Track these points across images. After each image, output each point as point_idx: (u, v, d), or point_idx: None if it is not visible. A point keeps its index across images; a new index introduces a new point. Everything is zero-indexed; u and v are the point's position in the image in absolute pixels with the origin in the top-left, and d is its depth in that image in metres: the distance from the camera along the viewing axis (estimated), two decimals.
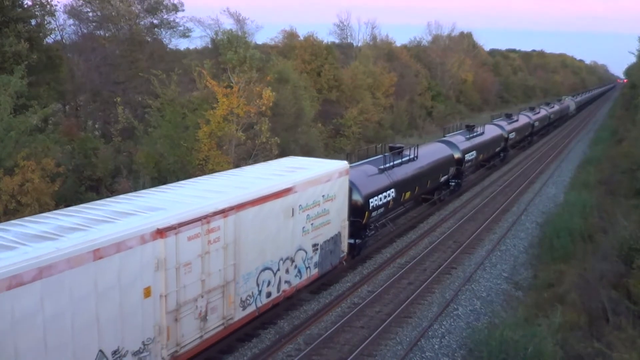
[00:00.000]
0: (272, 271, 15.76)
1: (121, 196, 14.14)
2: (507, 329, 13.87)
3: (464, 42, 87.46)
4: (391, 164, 23.81)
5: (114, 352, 11.13)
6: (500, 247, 24.01)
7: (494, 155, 41.20)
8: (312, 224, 17.30)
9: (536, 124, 55.35)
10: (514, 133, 45.34)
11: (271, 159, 23.51)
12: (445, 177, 29.85)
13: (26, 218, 12.05)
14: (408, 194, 24.94)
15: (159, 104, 27.78)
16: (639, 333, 13.05)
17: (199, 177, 17.02)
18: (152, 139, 26.62)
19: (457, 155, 31.31)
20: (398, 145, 26.54)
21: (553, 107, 68.60)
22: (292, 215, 16.24)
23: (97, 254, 10.59)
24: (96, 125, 34.39)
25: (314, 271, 17.86)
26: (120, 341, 11.26)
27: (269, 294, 15.68)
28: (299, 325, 16.55)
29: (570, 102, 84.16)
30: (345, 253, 19.63)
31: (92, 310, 10.65)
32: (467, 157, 32.82)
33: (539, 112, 59.13)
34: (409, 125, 57.47)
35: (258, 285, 15.22)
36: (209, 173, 20.63)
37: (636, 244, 16.07)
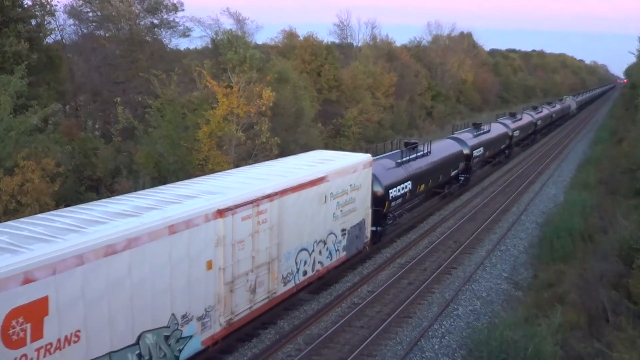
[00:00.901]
0: (308, 252, 17.47)
1: (179, 182, 16.05)
2: (507, 329, 13.87)
3: (464, 42, 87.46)
4: (407, 158, 25.38)
5: (183, 316, 12.77)
6: (500, 247, 24.01)
7: (500, 152, 42.66)
8: (341, 211, 19.01)
9: (539, 122, 56.72)
10: (518, 131, 46.74)
11: (271, 159, 23.51)
12: (455, 171, 31.55)
13: (102, 200, 13.85)
14: (423, 186, 26.55)
15: (159, 104, 27.76)
16: (639, 333, 13.04)
17: (243, 167, 19.42)
18: (152, 139, 26.61)
19: (465, 151, 32.93)
20: (413, 140, 28.29)
21: (555, 106, 70.22)
22: (325, 202, 17.98)
23: (172, 229, 12.18)
24: (96, 125, 34.39)
25: (343, 254, 19.63)
26: (187, 307, 12.86)
27: (305, 273, 17.40)
28: (299, 325, 16.55)
29: (571, 102, 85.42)
30: (368, 239, 21.41)
31: (167, 278, 12.22)
32: (475, 153, 34.44)
33: (541, 111, 60.57)
34: (409, 125, 57.47)
35: (296, 264, 16.91)
36: (208, 173, 20.75)
37: (636, 244, 16.05)
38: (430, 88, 67.25)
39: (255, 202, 14.62)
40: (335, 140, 43.09)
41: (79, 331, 10.49)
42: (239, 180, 15.87)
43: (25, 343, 9.66)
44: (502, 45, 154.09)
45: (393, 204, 23.30)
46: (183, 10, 37.81)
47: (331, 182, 18.07)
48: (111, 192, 24.55)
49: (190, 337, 13.04)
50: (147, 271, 11.70)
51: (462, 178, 33.42)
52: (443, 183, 30.43)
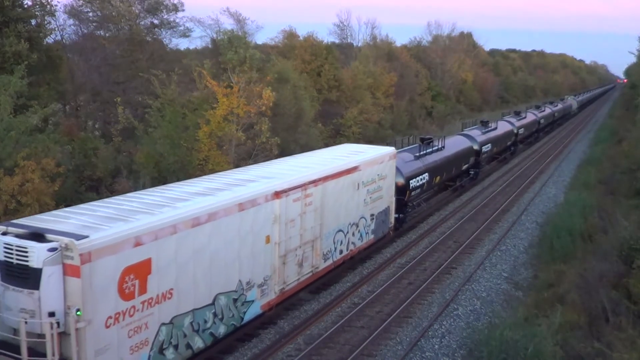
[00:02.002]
0: (343, 233, 19.44)
1: (236, 169, 18.54)
2: (507, 329, 13.87)
3: (464, 42, 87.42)
4: (424, 152, 27.58)
5: (247, 283, 14.81)
6: (500, 247, 24.01)
7: (506, 148, 44.77)
8: (370, 197, 21.04)
9: (542, 121, 59.00)
10: (522, 129, 48.98)
11: (271, 159, 23.54)
12: (466, 166, 33.74)
13: (177, 183, 16.08)
14: (438, 178, 28.63)
15: (159, 104, 27.75)
16: (639, 333, 13.05)
17: (287, 157, 21.19)
18: (152, 139, 26.59)
19: (475, 147, 35.06)
20: (428, 136, 30.26)
21: (557, 105, 72.88)
22: (357, 189, 20.00)
23: (241, 207, 14.25)
24: (96, 125, 34.37)
25: (371, 236, 21.61)
26: (251, 275, 14.91)
27: (341, 251, 19.38)
28: (299, 325, 16.55)
29: (572, 101, 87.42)
30: (392, 224, 23.39)
31: (236, 249, 14.25)
32: (484, 149, 36.61)
33: (544, 110, 62.79)
34: (409, 125, 57.45)
35: (334, 243, 18.89)
36: (208, 173, 20.89)
37: (636, 244, 16.05)
38: (430, 88, 67.23)
39: (303, 186, 16.67)
40: (335, 141, 43.01)
41: (172, 289, 12.45)
42: (287, 167, 18.03)
43: (134, 296, 11.57)
44: (502, 45, 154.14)
45: (413, 193, 25.44)
46: (183, 10, 37.83)
47: (363, 171, 20.14)
48: (111, 192, 24.52)
49: (252, 301, 15.12)
50: (222, 242, 13.72)
51: (472, 172, 35.43)
52: (455, 176, 32.43)
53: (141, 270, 11.65)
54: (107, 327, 11.06)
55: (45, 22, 28.94)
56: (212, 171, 23.18)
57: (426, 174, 26.60)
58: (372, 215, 21.34)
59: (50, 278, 10.50)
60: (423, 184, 26.35)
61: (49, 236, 10.78)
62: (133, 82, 33.02)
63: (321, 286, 19.07)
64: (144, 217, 12.03)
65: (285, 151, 29.03)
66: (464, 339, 15.84)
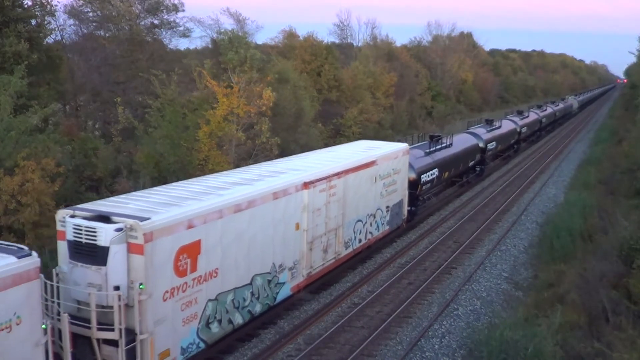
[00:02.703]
0: (362, 223, 20.74)
1: (264, 162, 20.00)
2: (507, 329, 13.87)
3: (464, 42, 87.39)
4: (434, 148, 28.91)
5: (279, 266, 16.07)
6: (500, 247, 24.01)
7: (509, 146, 46.26)
8: (386, 190, 22.34)
9: (544, 120, 60.50)
10: (525, 128, 50.49)
11: (271, 159, 23.56)
12: (472, 162, 35.28)
13: (214, 174, 17.59)
14: (447, 174, 30.02)
15: (159, 104, 27.71)
16: (639, 333, 13.05)
17: (310, 152, 22.86)
18: (152, 139, 26.56)
19: (481, 144, 36.38)
20: (437, 134, 31.54)
21: (558, 105, 74.66)
22: (375, 182, 21.32)
23: (275, 195, 15.51)
24: (96, 125, 34.34)
25: (386, 227, 22.93)
26: (282, 259, 16.18)
27: (360, 240, 20.73)
28: (299, 325, 16.55)
29: (573, 101, 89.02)
30: (405, 216, 24.79)
31: (270, 234, 15.50)
32: (489, 146, 37.96)
33: (546, 110, 64.21)
34: (409, 125, 57.42)
35: (354, 232, 20.17)
36: (208, 173, 20.98)
37: (636, 244, 16.05)
38: (430, 88, 67.20)
39: (328, 178, 18.01)
40: (335, 141, 43.00)
41: (217, 269, 13.74)
42: (311, 161, 19.44)
43: (186, 274, 12.83)
44: (502, 45, 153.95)
45: (424, 187, 26.88)
46: (183, 10, 37.75)
47: (379, 165, 21.51)
48: (111, 192, 24.49)
49: (284, 283, 16.45)
50: (259, 227, 15.01)
51: (478, 169, 37.08)
52: (462, 172, 33.87)
53: (192, 250, 12.96)
54: (164, 300, 12.32)
55: (45, 22, 28.90)
56: (212, 171, 23.16)
57: (436, 169, 28.00)
58: (387, 207, 22.65)
59: (116, 255, 11.68)
60: (433, 178, 27.77)
61: (115, 218, 12.02)
62: (133, 82, 33.00)
63: (321, 286, 19.07)
64: (194, 203, 13.37)
65: (285, 151, 29.02)
66: (464, 339, 15.84)
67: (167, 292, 12.34)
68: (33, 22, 27.44)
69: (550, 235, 22.88)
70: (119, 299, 11.59)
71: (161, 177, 25.01)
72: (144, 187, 22.70)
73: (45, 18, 28.85)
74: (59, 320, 11.25)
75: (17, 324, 9.68)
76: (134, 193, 14.70)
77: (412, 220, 26.36)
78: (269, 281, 15.76)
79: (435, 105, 66.61)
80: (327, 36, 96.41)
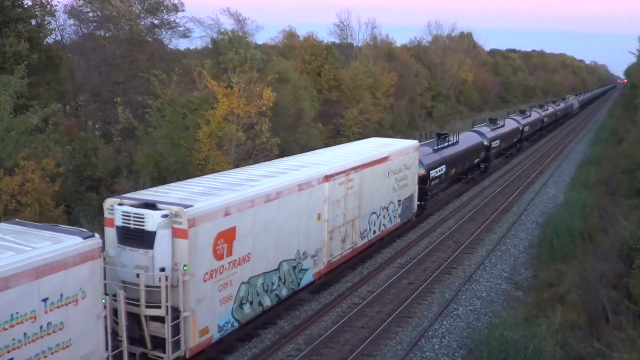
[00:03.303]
0: (376, 215, 21.75)
1: (286, 157, 20.92)
2: (507, 329, 13.86)
3: (464, 42, 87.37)
4: (442, 145, 30.07)
5: (303, 253, 17.20)
6: (500, 247, 24.01)
7: (512, 145, 47.47)
8: (398, 185, 23.37)
9: (545, 119, 61.87)
10: (527, 126, 51.87)
11: (271, 159, 23.56)
12: (477, 160, 36.35)
13: (242, 168, 18.89)
14: (453, 170, 31.10)
15: (159, 104, 27.71)
16: (639, 333, 13.04)
17: (327, 148, 24.61)
18: (152, 139, 26.57)
19: (485, 142, 37.48)
20: (444, 132, 32.81)
21: (559, 105, 76.11)
22: (388, 176, 22.39)
23: (299, 187, 16.62)
24: (96, 125, 34.33)
25: (398, 220, 23.96)
26: (306, 246, 17.26)
27: (374, 232, 21.77)
28: (299, 325, 16.55)
29: (574, 101, 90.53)
30: (415, 210, 25.85)
31: (295, 223, 16.57)
32: (493, 144, 39.06)
33: (547, 109, 65.31)
34: (409, 125, 57.40)
35: (369, 224, 21.20)
36: (209, 173, 21.04)
37: (636, 244, 16.04)
38: (430, 88, 67.17)
39: (346, 172, 19.04)
40: (335, 141, 43.01)
41: (249, 254, 14.80)
42: (330, 156, 20.54)
43: (223, 257, 13.91)
44: (502, 45, 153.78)
45: (433, 183, 27.98)
46: (183, 10, 37.73)
47: (392, 161, 22.57)
48: (111, 192, 24.49)
49: (307, 269, 17.49)
50: (285, 216, 16.06)
51: (482, 166, 38.04)
52: (467, 169, 34.95)
53: (229, 236, 14.02)
54: (205, 281, 13.38)
55: (45, 22, 28.91)
56: (212, 171, 23.15)
57: (443, 165, 29.10)
58: (399, 200, 23.70)
59: (162, 239, 12.70)
60: (441, 174, 28.89)
61: (160, 206, 13.07)
62: (133, 82, 32.99)
63: (321, 286, 19.07)
64: (229, 193, 14.46)
65: (285, 151, 29.02)
66: (464, 338, 15.84)
67: (206, 273, 13.42)
68: (33, 22, 27.46)
69: (550, 235, 22.87)
70: (166, 279, 12.56)
71: (161, 177, 25.01)
72: (144, 187, 22.71)
73: (45, 18, 28.87)
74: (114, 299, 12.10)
75: (82, 298, 10.73)
76: (171, 184, 15.92)
77: (421, 215, 27.37)
78: (294, 267, 16.87)
79: (435, 105, 66.58)
80: (327, 36, 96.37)
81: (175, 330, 12.76)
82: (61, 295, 10.34)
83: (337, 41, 67.49)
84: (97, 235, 11.22)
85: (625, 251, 16.37)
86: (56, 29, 32.69)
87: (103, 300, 11.28)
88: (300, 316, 17.22)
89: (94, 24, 36.55)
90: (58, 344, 10.36)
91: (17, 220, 12.97)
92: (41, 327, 10.04)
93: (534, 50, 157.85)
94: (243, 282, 14.71)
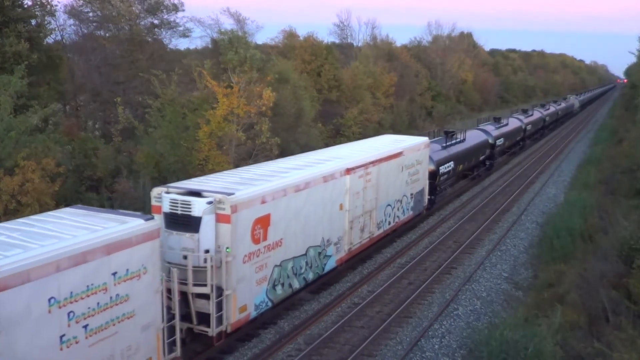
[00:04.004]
0: (391, 207, 22.97)
1: (309, 152, 22.34)
2: (507, 329, 13.86)
3: (464, 42, 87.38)
4: (450, 143, 31.28)
5: (327, 240, 18.42)
6: (500, 247, 24.01)
7: (516, 143, 48.96)
8: (410, 179, 24.69)
9: (547, 118, 63.18)
10: (530, 125, 53.26)
11: (271, 159, 23.58)
12: (483, 157, 37.72)
13: (271, 161, 20.13)
14: (461, 166, 32.53)
15: (159, 104, 27.71)
16: (639, 333, 13.04)
17: (346, 144, 25.90)
18: (152, 139, 26.56)
19: (490, 140, 38.78)
20: (451, 130, 33.64)
21: (560, 104, 77.56)
22: (402, 171, 23.65)
23: (325, 179, 17.86)
24: (96, 125, 34.34)
25: (410, 212, 25.29)
26: (329, 234, 18.51)
27: (389, 223, 22.99)
28: (299, 325, 16.55)
29: (574, 101, 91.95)
30: (426, 204, 27.22)
31: (320, 212, 17.80)
32: (498, 142, 40.40)
33: (549, 109, 66.41)
34: (409, 125, 57.40)
35: (384, 215, 22.45)
36: (209, 173, 21.12)
37: (636, 244, 16.03)
38: (430, 88, 67.17)
39: (365, 166, 20.29)
40: (335, 141, 43.01)
41: (282, 239, 16.02)
42: (349, 151, 21.79)
43: (260, 242, 15.10)
44: (502, 45, 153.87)
45: (442, 178, 29.25)
46: (183, 10, 37.70)
47: (405, 156, 23.78)
48: (111, 192, 24.51)
49: (330, 256, 18.73)
50: (312, 206, 17.28)
51: (487, 163, 39.35)
52: (473, 166, 36.29)
53: (264, 222, 15.20)
54: (244, 263, 14.58)
55: (45, 22, 28.90)
56: (212, 171, 23.16)
57: (452, 162, 30.39)
58: (411, 194, 24.98)
59: (207, 224, 13.83)
60: (449, 170, 30.18)
61: (205, 193, 14.25)
62: (133, 82, 32.99)
63: (321, 286, 19.07)
64: (264, 183, 15.64)
65: (285, 151, 29.01)
66: (464, 339, 15.84)
67: (245, 256, 14.62)
68: (33, 22, 27.44)
69: (550, 235, 22.86)
70: (211, 260, 13.68)
71: (161, 177, 25.01)
72: (144, 187, 22.73)
73: (45, 18, 28.86)
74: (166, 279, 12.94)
75: (144, 274, 11.77)
76: (209, 175, 17.28)
77: (431, 208, 28.61)
78: (319, 253, 18.10)
79: (435, 105, 66.57)
80: (327, 36, 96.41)
81: (219, 307, 13.95)
82: (127, 270, 11.38)
83: (337, 41, 67.55)
84: (156, 217, 12.54)
85: (625, 251, 16.36)
86: (56, 29, 32.70)
87: (160, 277, 12.27)
88: (300, 316, 17.22)
89: (94, 24, 36.53)
90: (124, 313, 11.41)
91: (80, 205, 14.15)
92: (111, 297, 11.08)
93: (534, 50, 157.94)
94: (276, 265, 15.92)
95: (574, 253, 20.29)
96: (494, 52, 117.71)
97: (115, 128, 29.11)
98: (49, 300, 9.88)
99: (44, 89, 26.74)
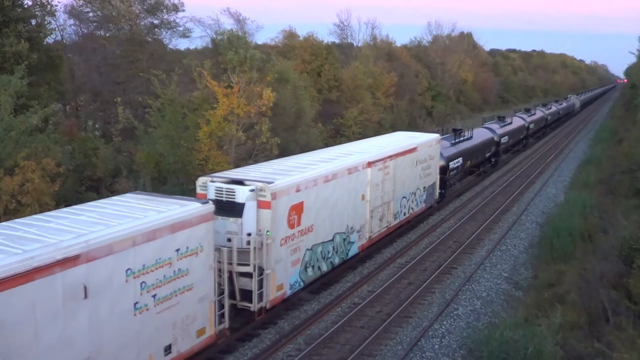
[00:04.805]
0: (406, 199, 24.44)
1: (333, 147, 24.83)
2: (507, 329, 13.86)
3: (464, 42, 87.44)
4: (458, 140, 33.02)
5: (351, 228, 19.85)
6: (500, 247, 24.00)
7: (519, 141, 50.46)
8: (423, 173, 26.08)
9: (549, 117, 64.71)
10: (533, 124, 54.95)
11: (271, 159, 23.57)
12: (489, 154, 39.23)
13: (298, 155, 22.06)
14: (469, 162, 34.08)
15: (159, 104, 27.71)
16: (639, 333, 13.04)
17: (364, 140, 27.53)
18: (153, 139, 26.57)
19: (495, 138, 40.44)
20: (459, 128, 35.70)
21: (561, 104, 79.46)
22: (415, 165, 25.06)
23: (349, 171, 19.38)
24: (96, 125, 34.37)
25: (423, 204, 26.69)
26: (353, 222, 19.95)
27: (404, 214, 24.48)
28: (299, 325, 16.54)
29: (575, 100, 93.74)
30: (437, 197, 28.58)
31: (345, 202, 19.21)
32: (502, 140, 41.99)
33: (551, 108, 68.26)
34: (409, 125, 57.39)
35: (400, 206, 23.84)
36: (209, 173, 21.24)
37: (636, 244, 16.04)
38: (430, 88, 67.17)
39: (384, 159, 21.76)
40: (335, 141, 43.01)
41: (312, 225, 17.45)
42: (369, 146, 23.27)
43: (294, 227, 16.52)
44: (502, 45, 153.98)
45: (451, 173, 30.77)
46: (183, 10, 37.74)
47: (419, 151, 25.20)
48: (111, 192, 24.50)
49: (353, 242, 20.19)
50: (338, 195, 18.72)
51: (492, 160, 40.91)
52: (480, 162, 37.89)
53: (298, 209, 16.57)
54: (281, 245, 15.97)
55: (46, 22, 28.89)
56: (212, 171, 23.17)
57: (460, 158, 31.91)
58: (424, 187, 26.36)
59: (249, 210, 15.27)
60: (458, 166, 31.68)
61: (247, 182, 15.61)
62: (133, 82, 33.00)
63: (321, 286, 19.07)
64: (298, 173, 17.09)
65: (285, 151, 29.02)
66: (464, 338, 15.83)
67: (282, 239, 15.99)
68: (33, 22, 27.44)
69: (550, 235, 22.84)
70: (254, 242, 15.01)
71: (161, 177, 25.03)
72: (144, 187, 22.73)
73: (45, 18, 28.85)
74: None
75: (201, 251, 13.10)
76: (248, 167, 18.83)
77: (441, 201, 30.08)
78: (344, 239, 19.51)
79: (435, 105, 66.59)
80: (327, 36, 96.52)
81: (260, 285, 15.34)
82: (187, 247, 12.69)
83: (337, 41, 67.62)
84: (210, 202, 13.79)
85: (625, 251, 16.36)
86: (56, 29, 32.72)
87: (214, 255, 13.59)
88: (300, 316, 17.21)
89: (94, 24, 36.56)
90: (184, 286, 12.74)
91: (138, 191, 15.84)
92: (174, 271, 12.41)
93: (534, 50, 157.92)
94: (307, 249, 17.33)
95: (574, 253, 20.28)
96: (494, 52, 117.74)
97: (115, 128, 29.13)
98: (126, 271, 11.23)
99: (44, 89, 26.74)
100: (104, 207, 12.68)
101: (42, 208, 18.62)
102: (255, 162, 25.14)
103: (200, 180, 16.21)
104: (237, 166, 23.95)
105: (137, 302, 11.49)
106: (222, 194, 15.46)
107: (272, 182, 15.53)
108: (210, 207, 13.44)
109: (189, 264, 12.77)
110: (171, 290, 12.36)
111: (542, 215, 29.04)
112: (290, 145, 32.09)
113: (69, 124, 28.75)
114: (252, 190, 15.29)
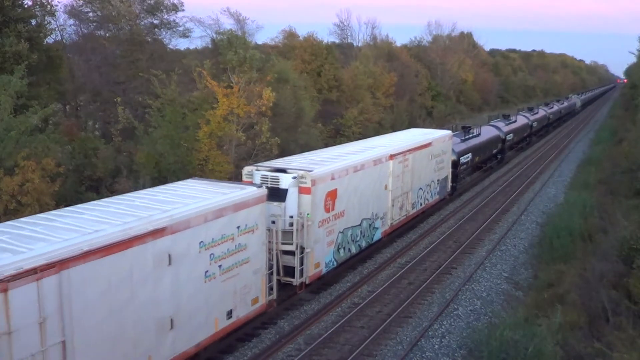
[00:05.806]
0: (422, 190, 26.19)
1: (358, 141, 26.32)
2: (507, 329, 13.86)
3: (464, 42, 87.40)
4: (468, 136, 34.98)
5: (375, 215, 21.57)
6: (500, 247, 24.00)
7: (523, 139, 52.53)
8: (437, 167, 27.71)
9: (551, 116, 66.47)
10: (535, 122, 56.95)
11: (271, 159, 23.57)
12: (495, 150, 41.24)
13: (328, 148, 24.64)
14: (477, 158, 36.11)
15: (159, 104, 27.71)
16: (639, 333, 13.05)
17: (382, 135, 29.23)
18: (152, 139, 26.55)
19: (501, 135, 42.44)
20: (468, 125, 38.36)
21: (563, 103, 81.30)
22: (430, 159, 26.66)
23: (374, 162, 21.03)
24: (96, 125, 34.35)
25: (437, 196, 28.37)
26: (377, 209, 21.70)
27: (420, 204, 26.19)
28: (299, 325, 16.55)
29: (576, 100, 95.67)
30: (449, 190, 30.27)
31: (371, 190, 20.94)
32: (508, 137, 44.03)
33: (552, 107, 70.16)
34: (409, 125, 57.35)
35: (417, 197, 25.59)
36: (209, 173, 21.84)
37: (636, 244, 16.05)
38: (430, 88, 67.14)
39: (403, 153, 23.40)
40: (335, 141, 42.99)
41: (344, 210, 19.21)
42: (390, 141, 25.05)
43: (329, 211, 18.33)
44: (502, 45, 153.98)
45: (462, 167, 32.61)
46: (183, 10, 37.66)
47: (433, 146, 26.86)
48: (111, 192, 24.47)
49: (377, 228, 21.93)
50: (365, 184, 20.44)
51: (499, 156, 42.70)
52: (487, 158, 39.72)
53: (332, 195, 18.33)
54: (319, 227, 17.77)
55: (46, 22, 28.87)
56: (212, 171, 23.21)
57: (470, 153, 33.67)
58: (438, 180, 27.97)
59: (291, 195, 16.96)
60: (468, 161, 33.46)
61: (289, 170, 17.38)
62: (133, 82, 32.97)
63: (321, 286, 19.08)
64: (332, 163, 18.79)
65: (285, 151, 29.01)
66: (464, 338, 15.83)
67: (320, 222, 17.76)
68: (33, 22, 27.42)
69: (550, 235, 22.86)
70: (297, 224, 16.80)
71: (161, 177, 25.00)
72: (144, 187, 22.67)
73: (45, 18, 28.83)
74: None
75: (256, 229, 14.86)
76: (285, 158, 20.38)
77: (453, 194, 31.71)
78: (370, 225, 21.21)
79: (435, 105, 66.56)
80: (327, 36, 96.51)
81: (301, 262, 17.11)
82: (246, 225, 14.41)
83: (337, 41, 67.57)
84: (264, 186, 15.55)
85: (625, 251, 16.38)
86: (56, 29, 32.69)
87: (266, 233, 15.34)
88: (300, 316, 17.21)
89: (94, 24, 36.52)
90: (243, 259, 14.47)
91: (196, 177, 18.00)
92: (235, 246, 14.12)
93: (534, 50, 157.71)
94: (340, 232, 19.07)
95: (574, 253, 20.29)
96: (494, 52, 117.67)
97: (115, 128, 29.10)
98: (200, 243, 12.95)
99: (44, 89, 26.72)
100: (176, 189, 14.52)
101: (42, 208, 18.62)
102: (255, 162, 25.15)
103: (246, 169, 17.81)
104: (237, 166, 23.99)
105: (207, 271, 13.24)
106: (267, 181, 16.99)
107: (311, 170, 17.23)
108: (264, 190, 15.19)
109: (246, 240, 14.46)
110: (233, 262, 14.05)
111: (542, 215, 29.04)
112: (290, 145, 32.06)
113: (69, 124, 28.73)
114: (294, 178, 16.96)
